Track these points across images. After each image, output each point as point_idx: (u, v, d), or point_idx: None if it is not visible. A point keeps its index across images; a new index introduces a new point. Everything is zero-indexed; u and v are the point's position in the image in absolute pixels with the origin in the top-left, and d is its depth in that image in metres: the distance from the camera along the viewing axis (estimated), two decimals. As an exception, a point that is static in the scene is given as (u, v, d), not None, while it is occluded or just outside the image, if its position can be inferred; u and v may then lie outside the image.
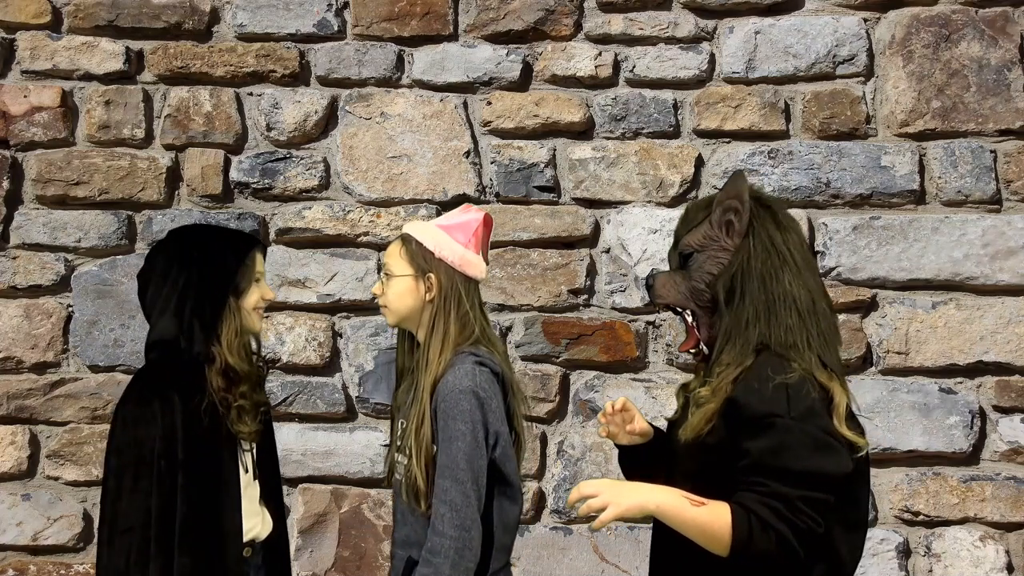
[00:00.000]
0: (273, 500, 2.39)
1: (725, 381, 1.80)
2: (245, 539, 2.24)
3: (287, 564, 2.47)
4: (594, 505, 1.72)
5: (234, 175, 3.58)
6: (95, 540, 3.53)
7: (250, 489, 2.29)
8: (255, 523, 2.29)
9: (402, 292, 2.18)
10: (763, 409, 1.72)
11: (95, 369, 3.55)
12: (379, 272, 3.46)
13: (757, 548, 1.67)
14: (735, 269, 1.84)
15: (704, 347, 1.94)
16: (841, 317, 3.40)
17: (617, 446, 2.19)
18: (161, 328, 2.17)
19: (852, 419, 1.79)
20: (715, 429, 1.80)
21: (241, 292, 2.23)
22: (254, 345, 2.39)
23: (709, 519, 1.70)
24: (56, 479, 3.55)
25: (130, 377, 3.56)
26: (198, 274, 2.17)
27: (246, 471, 2.27)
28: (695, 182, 3.50)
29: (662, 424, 2.23)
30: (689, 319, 1.96)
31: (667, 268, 2.32)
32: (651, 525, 1.95)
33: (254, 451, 2.32)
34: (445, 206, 3.54)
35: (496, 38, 3.57)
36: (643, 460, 2.11)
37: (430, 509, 2.06)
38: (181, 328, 2.15)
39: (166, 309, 2.17)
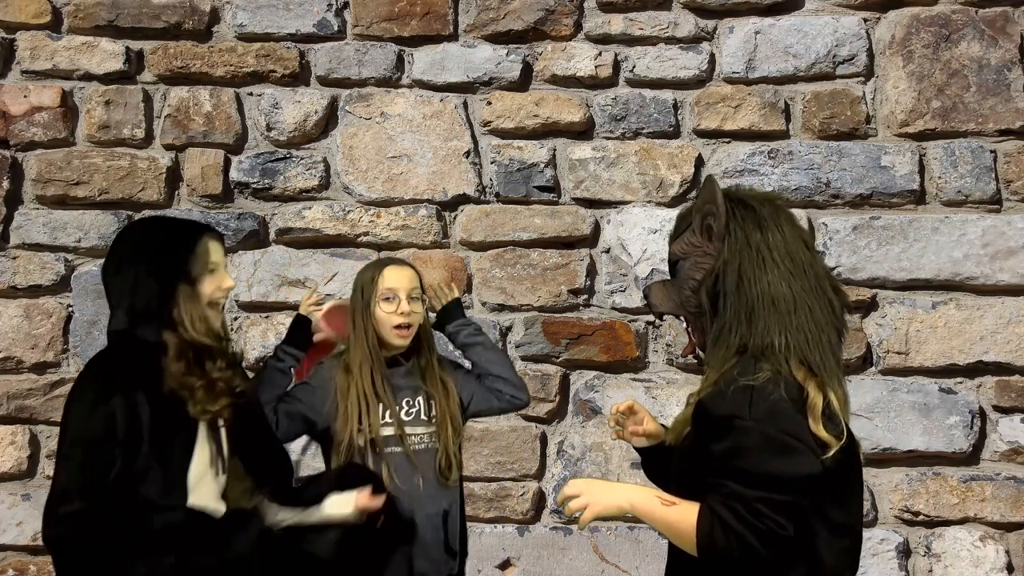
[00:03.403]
0: (267, 486, 2.30)
1: (707, 384, 1.83)
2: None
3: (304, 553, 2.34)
4: (574, 506, 1.79)
5: (234, 175, 3.58)
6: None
7: (211, 482, 2.20)
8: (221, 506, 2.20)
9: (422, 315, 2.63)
10: (724, 411, 1.74)
11: (95, 369, 3.55)
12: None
13: (719, 548, 1.70)
14: (716, 273, 1.85)
15: (701, 352, 1.96)
16: (841, 317, 3.41)
17: (637, 451, 2.21)
18: (116, 321, 2.18)
19: (831, 419, 1.78)
20: (690, 432, 1.83)
21: (195, 280, 2.19)
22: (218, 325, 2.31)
23: (677, 518, 1.75)
24: (56, 479, 3.54)
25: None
26: (147, 265, 2.18)
27: (213, 461, 2.19)
28: (695, 182, 3.50)
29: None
30: (685, 325, 1.98)
31: (666, 271, 2.33)
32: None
33: (221, 432, 2.23)
34: (445, 206, 3.55)
35: (496, 38, 3.57)
36: (663, 463, 2.12)
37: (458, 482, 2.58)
38: (133, 320, 2.16)
39: (120, 305, 2.18)
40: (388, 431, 2.53)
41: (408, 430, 2.54)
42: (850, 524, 1.84)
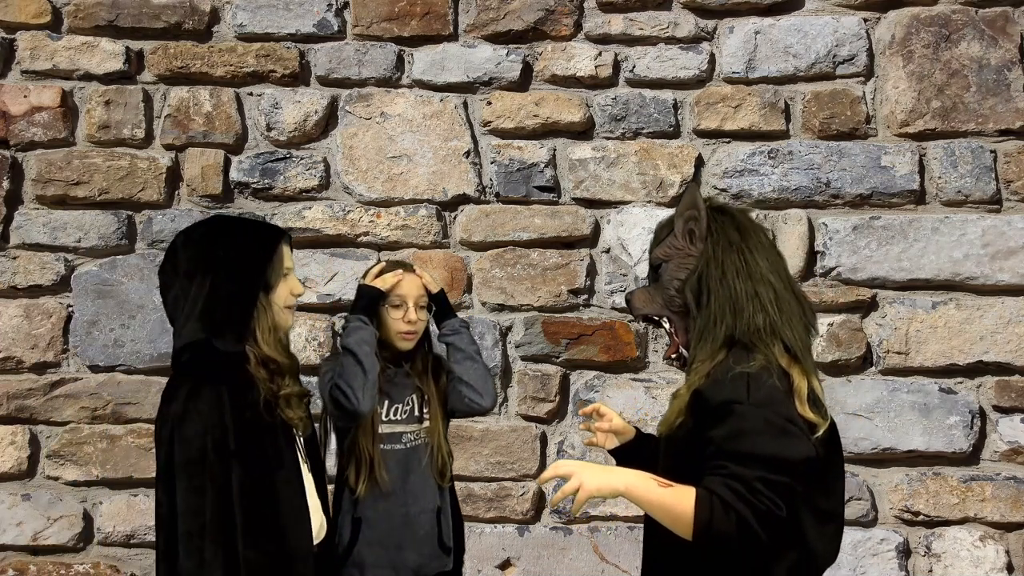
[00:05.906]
0: (319, 496, 2.30)
1: (698, 376, 1.88)
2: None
3: (333, 563, 2.42)
4: (568, 489, 1.78)
5: (234, 175, 3.58)
6: (95, 540, 3.54)
7: (307, 480, 2.19)
8: (317, 518, 2.19)
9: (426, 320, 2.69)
10: (723, 397, 1.79)
11: (95, 369, 3.55)
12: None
13: (718, 529, 1.71)
14: (700, 271, 1.94)
15: (684, 351, 2.02)
16: (841, 317, 3.41)
17: (610, 452, 2.27)
18: (190, 332, 2.06)
19: (816, 403, 1.85)
20: (684, 422, 1.88)
21: (271, 288, 2.13)
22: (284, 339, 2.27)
23: (673, 500, 1.76)
24: (56, 479, 3.55)
25: (130, 377, 3.57)
26: (225, 274, 2.07)
27: (305, 461, 2.19)
28: (695, 182, 3.50)
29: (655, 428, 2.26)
30: (667, 326, 2.05)
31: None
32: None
33: (302, 440, 2.22)
34: (445, 206, 3.55)
35: (496, 38, 3.57)
36: (637, 460, 2.15)
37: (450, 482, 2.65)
38: (212, 331, 2.05)
39: (192, 313, 2.06)
40: (384, 428, 2.62)
41: (403, 428, 2.64)
42: (834, 510, 1.91)
